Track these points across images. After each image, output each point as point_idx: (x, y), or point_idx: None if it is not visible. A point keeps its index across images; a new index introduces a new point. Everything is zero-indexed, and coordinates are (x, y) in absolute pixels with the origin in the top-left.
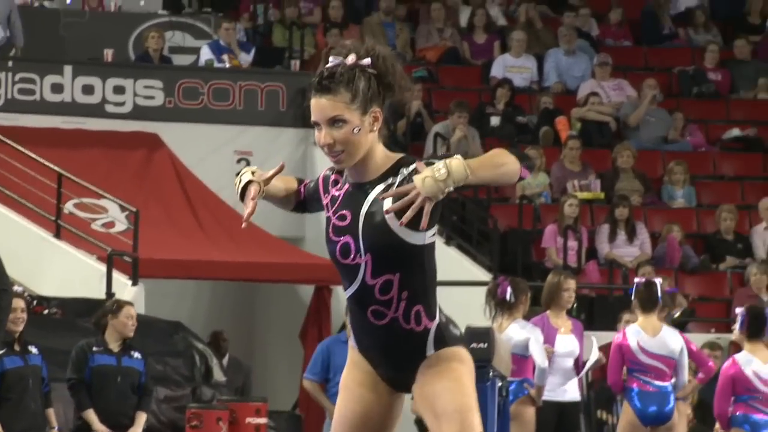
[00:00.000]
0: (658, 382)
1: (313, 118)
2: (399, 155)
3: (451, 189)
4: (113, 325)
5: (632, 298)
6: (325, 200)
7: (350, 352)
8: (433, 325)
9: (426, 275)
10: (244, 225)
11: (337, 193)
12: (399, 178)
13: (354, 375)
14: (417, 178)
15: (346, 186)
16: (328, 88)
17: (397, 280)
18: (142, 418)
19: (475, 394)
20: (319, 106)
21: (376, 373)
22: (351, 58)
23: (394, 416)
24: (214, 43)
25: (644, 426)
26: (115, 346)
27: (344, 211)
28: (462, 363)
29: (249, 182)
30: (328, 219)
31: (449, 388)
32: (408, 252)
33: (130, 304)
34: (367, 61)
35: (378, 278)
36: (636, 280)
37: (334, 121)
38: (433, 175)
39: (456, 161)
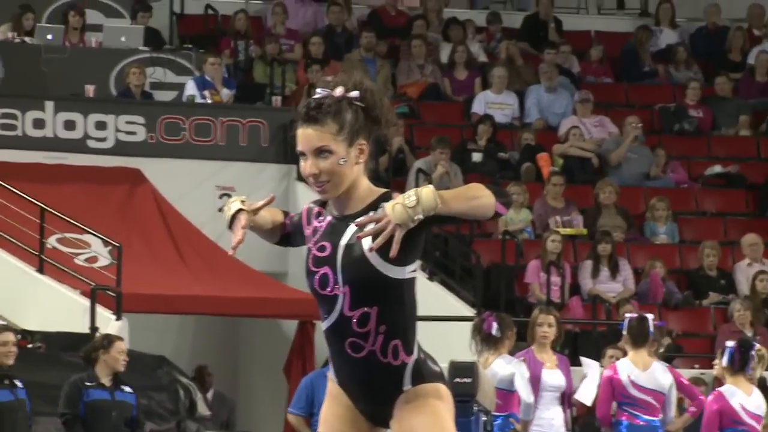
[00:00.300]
0: (647, 417)
1: (299, 148)
2: (383, 190)
3: (421, 217)
4: (105, 360)
5: (624, 332)
6: (307, 231)
7: (329, 384)
8: (411, 360)
9: (405, 310)
10: (231, 253)
11: (318, 225)
12: (379, 212)
13: (334, 409)
14: (387, 205)
15: (329, 218)
16: (315, 119)
17: (375, 314)
18: None
19: (453, 429)
20: (305, 136)
21: (355, 407)
22: (339, 91)
23: None
24: (199, 78)
25: None
26: (107, 380)
27: (324, 243)
28: (440, 399)
29: (239, 211)
30: (309, 250)
31: (426, 423)
32: (387, 286)
33: (120, 339)
34: (355, 93)
35: (356, 310)
36: (627, 315)
37: (321, 152)
38: (403, 203)
39: (427, 190)
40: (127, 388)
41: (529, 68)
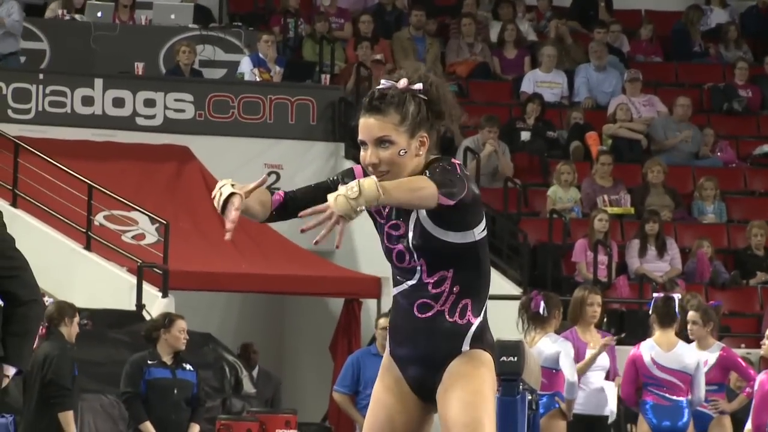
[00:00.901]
0: (672, 396)
1: (360, 137)
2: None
3: (363, 208)
4: (165, 339)
5: (650, 312)
6: (378, 208)
7: (384, 358)
8: (476, 322)
9: (480, 270)
10: (228, 237)
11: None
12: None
13: (384, 382)
14: (330, 197)
15: None
16: (378, 109)
17: (451, 276)
18: (195, 430)
19: (492, 408)
20: (367, 125)
21: (405, 378)
22: (402, 83)
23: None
24: (254, 56)
25: None
26: (168, 359)
27: (397, 221)
28: (490, 371)
29: (231, 194)
30: (381, 226)
31: (467, 401)
32: (458, 251)
33: (181, 317)
34: (418, 86)
35: (433, 276)
36: (654, 295)
37: (381, 142)
38: (345, 194)
39: (369, 181)
40: (189, 367)
41: (579, 47)
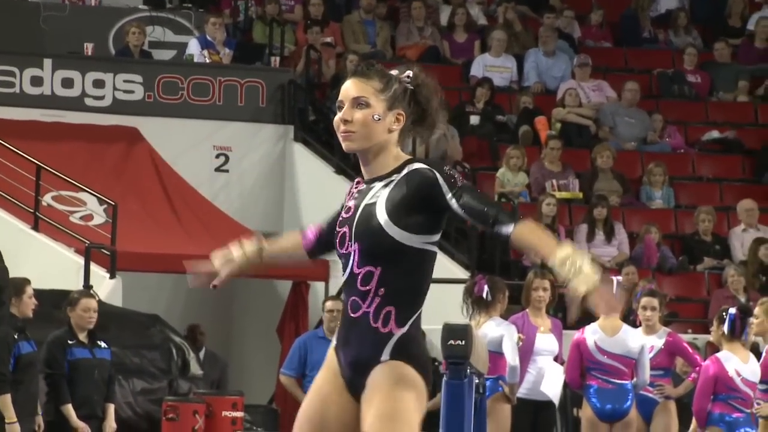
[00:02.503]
0: (616, 380)
1: (340, 98)
2: (407, 156)
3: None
4: (73, 318)
5: None
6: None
7: (330, 347)
8: (399, 333)
9: (409, 279)
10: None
11: (353, 191)
12: (403, 174)
13: (325, 372)
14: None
15: (362, 185)
16: (363, 73)
17: (377, 274)
18: (111, 409)
19: (413, 426)
20: (347, 86)
21: (342, 374)
22: (395, 71)
23: (351, 429)
24: (201, 38)
25: (602, 422)
26: (83, 337)
27: (350, 204)
28: (410, 389)
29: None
30: (338, 213)
31: (378, 426)
32: (392, 248)
33: (90, 296)
34: (408, 73)
35: (362, 268)
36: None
37: (358, 102)
38: (588, 271)
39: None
40: (103, 344)
41: (528, 32)
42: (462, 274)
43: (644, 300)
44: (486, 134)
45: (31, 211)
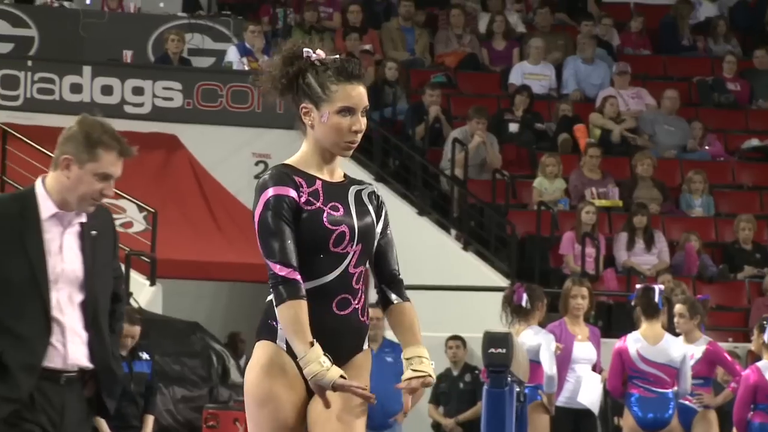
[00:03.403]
0: (658, 389)
1: (351, 104)
2: None
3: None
4: None
5: (633, 304)
6: (302, 198)
7: (273, 353)
8: (368, 322)
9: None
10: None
11: (312, 189)
12: (368, 190)
13: (286, 380)
14: (428, 368)
15: (318, 182)
16: (362, 77)
17: (365, 272)
18: (150, 421)
19: None
20: (360, 93)
21: (299, 372)
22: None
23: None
24: (240, 45)
25: (644, 431)
26: (124, 351)
27: (335, 203)
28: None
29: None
30: (320, 210)
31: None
32: (373, 248)
33: (132, 322)
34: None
35: (357, 268)
36: (637, 286)
37: (364, 111)
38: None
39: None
40: (145, 356)
41: (567, 39)
42: (501, 282)
43: (676, 307)
44: (525, 142)
45: None
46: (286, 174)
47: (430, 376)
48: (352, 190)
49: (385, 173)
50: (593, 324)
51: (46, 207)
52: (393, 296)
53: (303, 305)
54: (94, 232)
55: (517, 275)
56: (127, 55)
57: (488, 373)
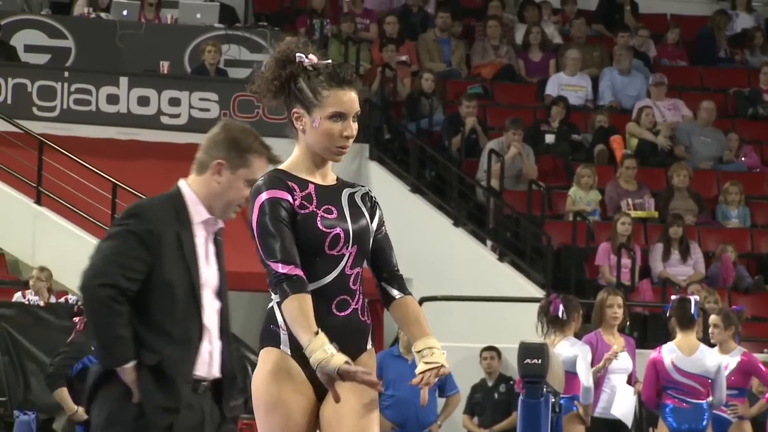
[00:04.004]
0: (693, 400)
1: (342, 109)
2: None
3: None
4: None
5: (668, 315)
6: (296, 202)
7: (279, 358)
8: (369, 322)
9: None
10: (380, 388)
11: (306, 193)
12: (362, 191)
13: (294, 384)
14: (441, 359)
15: (311, 186)
16: (354, 83)
17: (361, 273)
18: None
19: None
20: (351, 99)
21: (306, 376)
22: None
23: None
24: None
25: None
26: None
27: (329, 206)
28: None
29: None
30: (313, 214)
31: (368, 411)
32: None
33: None
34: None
35: (354, 269)
36: (672, 297)
37: (355, 116)
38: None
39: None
40: None
41: (604, 51)
42: (537, 293)
43: (710, 318)
44: (561, 153)
45: (108, 228)
46: (279, 179)
47: (443, 366)
48: (345, 192)
49: (421, 184)
50: (629, 335)
51: (198, 211)
52: (395, 291)
53: (308, 299)
54: (220, 239)
55: (552, 286)
56: (164, 66)
57: (524, 383)
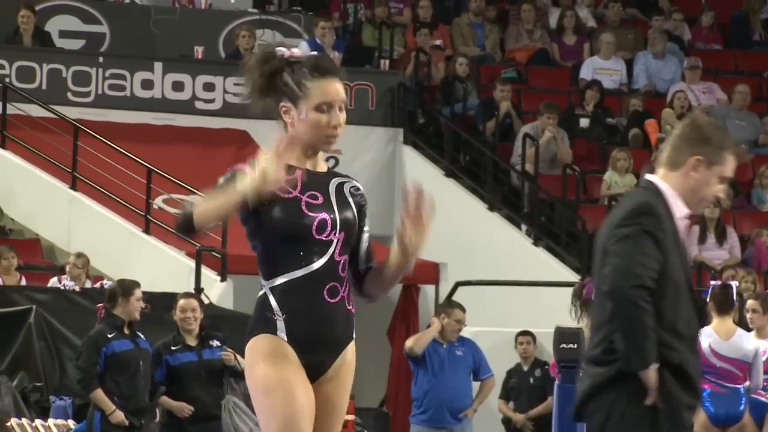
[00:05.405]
0: (730, 384)
1: (328, 99)
2: None
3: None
4: (177, 321)
5: (707, 300)
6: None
7: (275, 344)
8: (353, 310)
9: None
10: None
11: (292, 178)
12: (351, 184)
13: (293, 367)
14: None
15: (298, 171)
16: (338, 72)
17: (348, 260)
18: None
19: None
20: (336, 88)
21: (303, 360)
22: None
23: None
24: (311, 41)
25: (716, 427)
26: (191, 340)
27: (314, 192)
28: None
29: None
30: (297, 199)
31: (342, 410)
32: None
33: (187, 296)
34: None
35: (342, 256)
36: (712, 283)
37: (342, 105)
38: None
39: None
40: (215, 342)
41: (638, 34)
42: (572, 277)
43: (748, 303)
44: (596, 137)
45: (143, 214)
46: None
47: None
48: (334, 182)
49: (456, 168)
50: None
51: (678, 207)
52: (367, 286)
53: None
54: None
55: (587, 270)
56: (198, 51)
57: (559, 368)
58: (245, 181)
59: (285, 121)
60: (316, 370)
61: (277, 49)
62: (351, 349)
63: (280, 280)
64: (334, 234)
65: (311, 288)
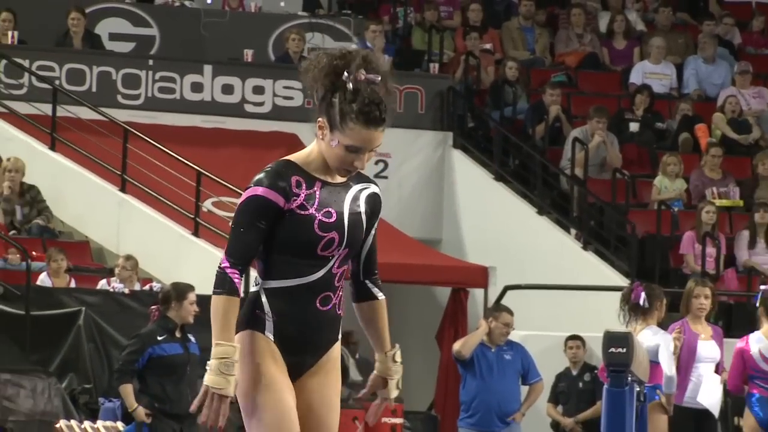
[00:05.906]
0: None
1: (359, 145)
2: None
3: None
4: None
5: (757, 305)
6: (297, 202)
7: (264, 344)
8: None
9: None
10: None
11: (309, 192)
12: (369, 191)
13: (280, 367)
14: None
15: (317, 184)
16: (384, 122)
17: (346, 271)
18: None
19: None
20: (374, 138)
21: (287, 360)
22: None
23: None
24: (360, 44)
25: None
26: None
27: (329, 209)
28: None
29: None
30: (312, 217)
31: (335, 387)
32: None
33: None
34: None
35: (340, 268)
36: (761, 287)
37: (373, 150)
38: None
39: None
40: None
41: (688, 39)
42: (621, 281)
43: None
44: (645, 141)
45: (192, 216)
46: (283, 174)
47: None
48: (352, 191)
49: (505, 172)
50: (714, 323)
51: None
52: (379, 293)
53: (237, 303)
54: None
55: (636, 275)
56: (248, 54)
57: (608, 372)
58: (226, 364)
59: (317, 133)
60: (298, 369)
61: (345, 72)
62: (336, 347)
63: (273, 284)
64: (338, 250)
65: (304, 296)
